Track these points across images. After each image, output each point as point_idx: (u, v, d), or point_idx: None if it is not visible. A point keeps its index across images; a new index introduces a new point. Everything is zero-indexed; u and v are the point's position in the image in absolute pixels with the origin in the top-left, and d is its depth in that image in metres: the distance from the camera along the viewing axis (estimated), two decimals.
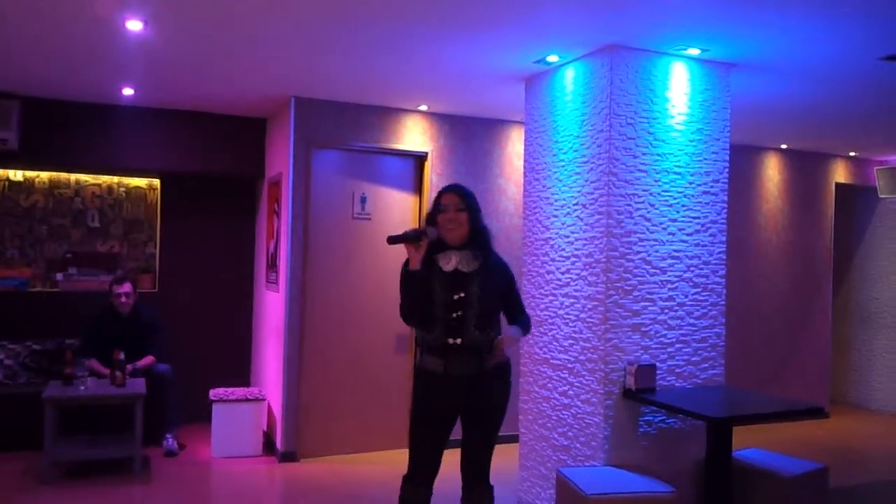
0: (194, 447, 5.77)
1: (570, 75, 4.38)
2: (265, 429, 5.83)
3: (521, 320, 3.40)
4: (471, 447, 3.31)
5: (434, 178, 5.88)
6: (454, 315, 3.18)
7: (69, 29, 4.00)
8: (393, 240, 3.23)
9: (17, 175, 6.11)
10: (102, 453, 5.09)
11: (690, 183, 4.26)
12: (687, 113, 4.25)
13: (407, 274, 3.22)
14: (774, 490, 3.99)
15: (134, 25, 3.87)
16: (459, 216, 3.22)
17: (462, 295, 3.18)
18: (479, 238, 3.26)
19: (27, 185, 6.14)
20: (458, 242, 3.24)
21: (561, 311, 4.38)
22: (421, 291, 3.20)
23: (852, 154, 7.67)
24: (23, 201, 6.12)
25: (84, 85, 5.35)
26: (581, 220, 4.23)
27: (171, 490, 4.87)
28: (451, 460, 3.37)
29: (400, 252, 3.26)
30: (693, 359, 4.27)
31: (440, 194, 3.30)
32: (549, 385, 4.46)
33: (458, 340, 3.19)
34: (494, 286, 3.26)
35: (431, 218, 3.28)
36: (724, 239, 4.38)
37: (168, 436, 5.59)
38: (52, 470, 4.91)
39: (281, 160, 5.83)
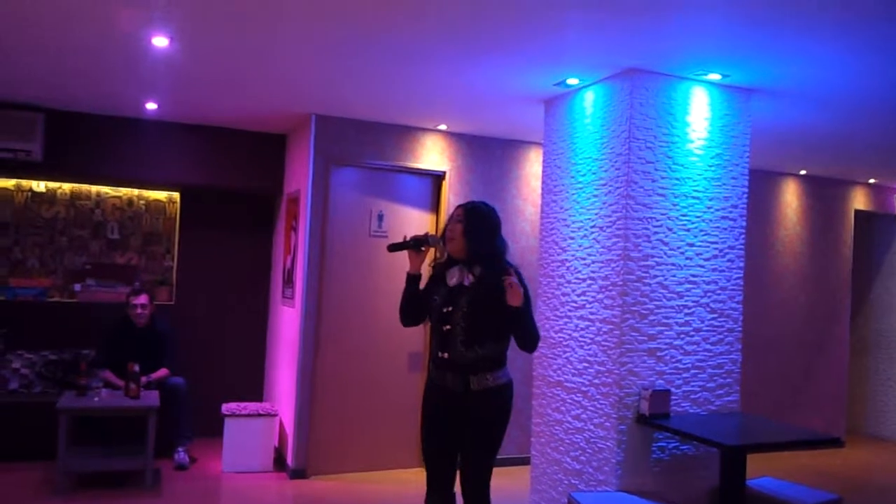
0: (205, 461, 5.77)
1: (589, 98, 4.39)
2: (276, 444, 5.83)
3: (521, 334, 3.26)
4: (463, 464, 3.34)
5: (451, 198, 5.89)
6: (444, 328, 3.27)
7: (95, 44, 4.06)
8: (393, 247, 3.41)
9: (39, 186, 6.18)
10: (114, 465, 5.11)
11: (709, 208, 4.25)
12: (706, 138, 4.25)
13: (407, 276, 3.40)
14: None
15: (160, 41, 3.92)
16: (455, 228, 3.31)
17: (450, 309, 3.25)
18: (478, 253, 3.29)
19: (49, 196, 6.21)
20: (459, 255, 3.33)
21: (576, 334, 4.36)
22: (412, 293, 3.40)
23: (872, 181, 7.62)
24: (44, 212, 6.19)
25: (108, 98, 5.42)
26: (598, 242, 4.23)
27: None
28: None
29: None
30: (708, 385, 4.24)
31: (456, 207, 3.45)
32: (563, 408, 4.43)
33: (446, 355, 3.28)
34: (488, 301, 3.20)
35: (444, 229, 3.44)
36: (741, 265, 4.36)
37: (180, 449, 5.60)
38: (65, 480, 4.92)
39: (300, 176, 5.87)
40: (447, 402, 3.31)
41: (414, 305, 3.43)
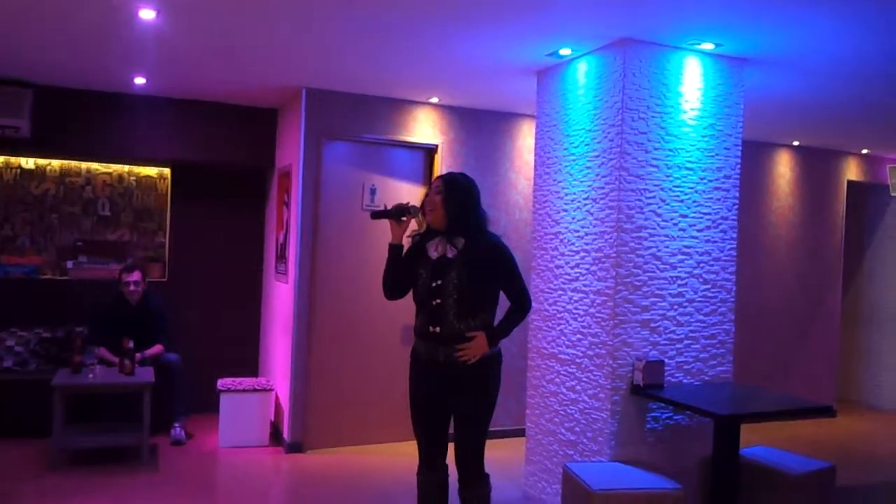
0: (202, 437, 5.79)
1: (582, 69, 4.36)
2: (272, 419, 5.85)
3: (510, 311, 3.36)
4: (457, 437, 3.35)
5: (444, 171, 5.85)
6: (434, 303, 3.25)
7: (82, 17, 4.00)
8: (376, 215, 3.42)
9: (28, 163, 6.13)
10: (110, 441, 5.12)
11: (702, 178, 4.24)
12: (700, 108, 4.23)
13: (389, 247, 3.39)
14: (781, 488, 3.97)
15: (147, 14, 3.87)
16: (435, 199, 3.30)
17: (439, 283, 3.24)
18: (459, 224, 3.28)
19: (38, 173, 6.16)
20: (440, 226, 3.31)
21: (569, 306, 4.37)
22: (395, 263, 3.38)
23: (865, 152, 7.62)
24: (34, 189, 6.15)
25: (96, 73, 5.36)
26: (591, 214, 4.22)
27: (178, 479, 4.88)
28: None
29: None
30: (701, 355, 4.26)
31: (435, 179, 3.44)
32: (557, 380, 4.45)
33: (437, 329, 3.26)
34: (477, 272, 3.23)
35: (423, 201, 3.42)
36: (734, 235, 4.36)
37: (176, 425, 5.61)
38: (60, 457, 4.94)
39: (291, 151, 5.83)
40: (438, 376, 3.30)
41: (397, 277, 3.40)
